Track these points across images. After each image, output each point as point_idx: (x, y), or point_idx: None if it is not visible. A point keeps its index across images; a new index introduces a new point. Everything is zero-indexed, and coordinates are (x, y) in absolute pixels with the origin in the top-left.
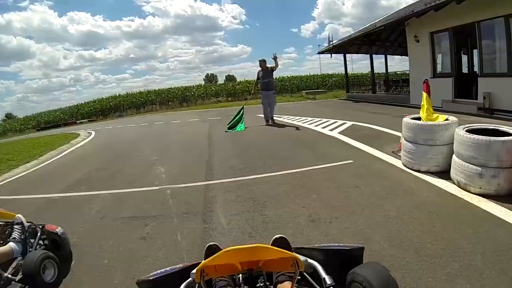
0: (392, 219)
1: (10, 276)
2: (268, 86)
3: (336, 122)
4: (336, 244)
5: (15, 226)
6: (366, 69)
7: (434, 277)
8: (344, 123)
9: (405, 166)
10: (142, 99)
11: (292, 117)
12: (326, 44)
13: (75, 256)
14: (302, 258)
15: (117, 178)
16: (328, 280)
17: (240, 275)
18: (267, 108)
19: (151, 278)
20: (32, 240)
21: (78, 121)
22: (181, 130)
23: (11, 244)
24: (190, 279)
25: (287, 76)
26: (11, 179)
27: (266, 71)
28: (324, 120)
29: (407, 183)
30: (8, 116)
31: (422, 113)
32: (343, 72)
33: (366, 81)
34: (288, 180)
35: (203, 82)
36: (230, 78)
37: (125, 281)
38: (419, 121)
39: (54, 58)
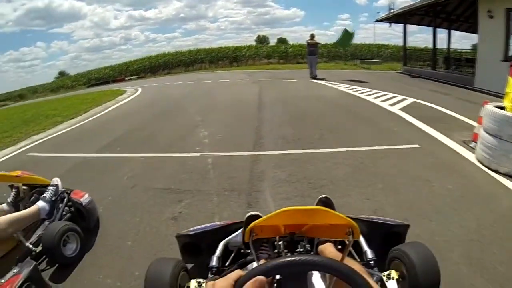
0: (472, 234)
1: (31, 246)
2: (313, 52)
3: (395, 96)
4: (382, 218)
5: (50, 187)
6: (421, 43)
7: None
8: (405, 99)
9: (480, 162)
10: (192, 57)
11: (348, 86)
12: (385, 12)
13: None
14: None
15: (156, 139)
16: (370, 254)
17: (281, 241)
18: (311, 67)
19: (190, 233)
20: (60, 205)
21: (127, 78)
22: (230, 90)
23: (39, 204)
24: (229, 237)
25: None
26: (54, 136)
27: (312, 42)
28: (383, 93)
29: (485, 186)
30: (61, 73)
31: (507, 102)
32: (398, 43)
33: (424, 56)
34: (349, 161)
35: (254, 44)
36: (282, 41)
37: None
38: (508, 113)
39: (104, 19)
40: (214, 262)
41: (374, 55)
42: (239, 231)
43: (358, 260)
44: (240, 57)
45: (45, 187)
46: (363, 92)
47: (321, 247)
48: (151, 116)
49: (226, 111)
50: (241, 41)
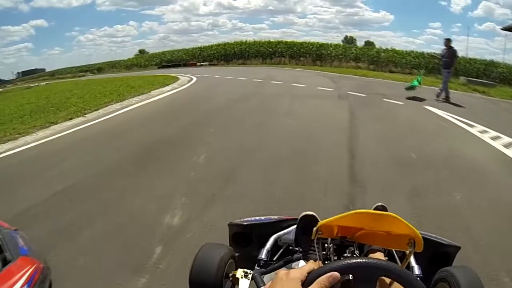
0: None
1: None
2: (448, 65)
3: None
4: (433, 235)
5: None
6: None
7: None
8: None
9: None
10: (270, 49)
11: (496, 133)
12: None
13: None
14: None
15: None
16: (417, 270)
17: (332, 244)
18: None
19: (244, 223)
20: None
21: (198, 64)
22: (300, 109)
23: None
24: (281, 233)
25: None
26: (23, 149)
27: (448, 50)
28: None
29: None
30: (141, 51)
31: None
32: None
33: None
34: None
35: (341, 44)
36: (369, 44)
37: None
38: None
39: (194, 4)
40: (263, 255)
41: (479, 73)
42: (292, 227)
43: None
44: (325, 55)
45: None
46: None
47: (371, 255)
48: (155, 142)
49: (276, 172)
50: (328, 40)
